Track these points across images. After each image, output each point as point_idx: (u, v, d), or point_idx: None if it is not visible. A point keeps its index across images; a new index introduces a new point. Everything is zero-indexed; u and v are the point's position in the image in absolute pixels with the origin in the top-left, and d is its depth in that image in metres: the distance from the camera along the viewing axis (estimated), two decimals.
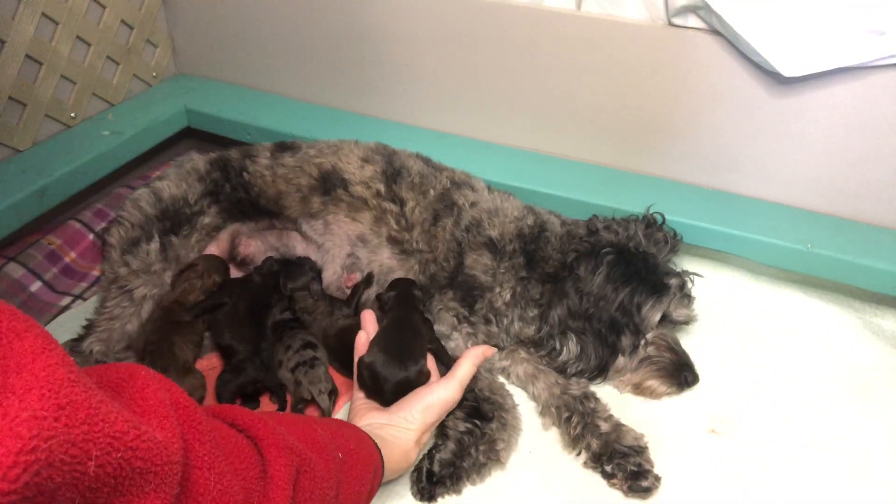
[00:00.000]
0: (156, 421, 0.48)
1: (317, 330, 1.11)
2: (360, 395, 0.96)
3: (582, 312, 1.08)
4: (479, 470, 0.94)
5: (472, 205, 1.18)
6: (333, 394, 1.02)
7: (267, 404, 1.04)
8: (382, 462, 0.79)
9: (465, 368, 0.93)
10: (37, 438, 0.36)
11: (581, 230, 1.18)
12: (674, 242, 1.17)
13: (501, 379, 1.10)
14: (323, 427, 0.73)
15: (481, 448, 0.95)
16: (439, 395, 0.90)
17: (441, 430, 0.97)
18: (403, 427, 0.86)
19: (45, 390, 0.38)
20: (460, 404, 0.96)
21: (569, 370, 1.08)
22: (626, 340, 1.08)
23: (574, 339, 1.08)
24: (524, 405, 1.08)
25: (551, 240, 1.17)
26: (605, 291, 1.07)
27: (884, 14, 1.06)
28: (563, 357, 1.08)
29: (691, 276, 1.15)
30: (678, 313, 1.12)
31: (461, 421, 0.96)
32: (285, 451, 0.61)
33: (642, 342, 1.09)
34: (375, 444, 0.79)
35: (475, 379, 1.00)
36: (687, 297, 1.13)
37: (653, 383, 1.08)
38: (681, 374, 1.08)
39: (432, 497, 0.91)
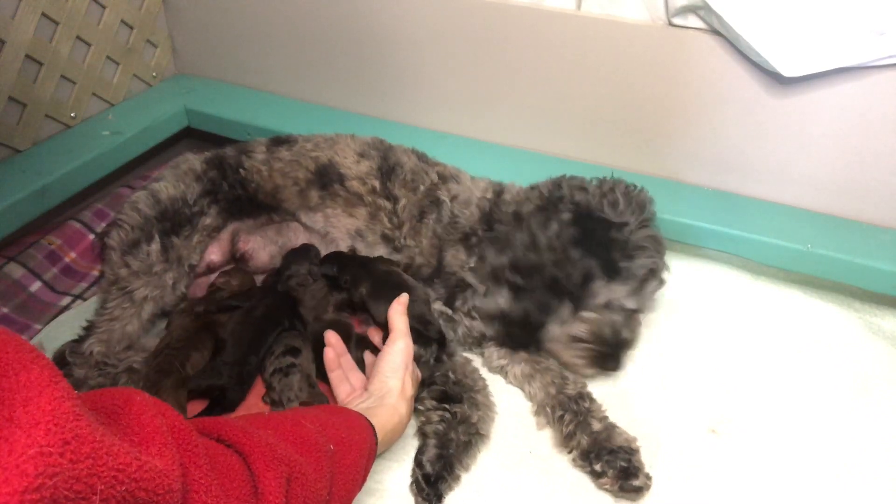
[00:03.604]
0: (154, 448, 0.48)
1: (310, 312, 1.11)
2: (341, 397, 0.96)
3: (524, 267, 1.03)
4: (466, 450, 0.95)
5: (453, 199, 1.18)
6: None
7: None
8: (376, 438, 0.80)
9: (398, 321, 0.97)
10: (42, 476, 0.36)
11: (546, 187, 1.12)
12: (642, 212, 1.06)
13: (481, 369, 1.11)
14: (312, 420, 0.73)
15: (460, 429, 0.96)
16: (394, 348, 0.94)
17: (418, 431, 0.98)
18: (384, 388, 0.89)
19: (51, 425, 0.38)
20: (430, 389, 1.00)
21: (492, 328, 1.07)
22: (565, 310, 1.03)
23: (507, 293, 1.04)
24: (523, 404, 1.08)
25: (506, 198, 1.14)
26: (555, 250, 1.02)
27: (884, 14, 1.06)
28: (486, 306, 1.04)
29: (663, 264, 1.06)
30: (628, 302, 1.03)
31: (433, 411, 0.97)
32: (274, 463, 0.61)
33: (578, 318, 1.04)
34: (367, 420, 0.80)
35: (445, 364, 1.03)
36: (644, 286, 1.04)
37: (577, 363, 1.06)
38: (606, 362, 1.06)
39: (439, 497, 0.90)
